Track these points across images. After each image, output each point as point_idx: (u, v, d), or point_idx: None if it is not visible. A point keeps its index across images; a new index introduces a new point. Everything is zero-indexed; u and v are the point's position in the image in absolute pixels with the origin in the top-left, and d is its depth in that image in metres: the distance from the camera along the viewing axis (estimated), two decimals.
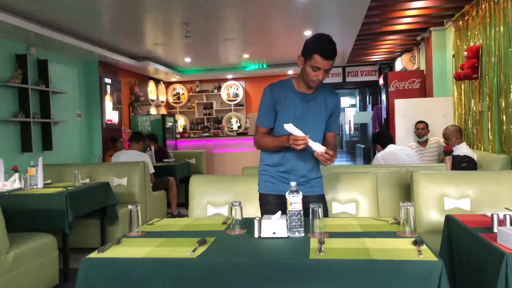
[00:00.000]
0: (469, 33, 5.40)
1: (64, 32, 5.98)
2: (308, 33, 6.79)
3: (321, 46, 2.11)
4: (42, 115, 6.12)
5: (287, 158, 2.26)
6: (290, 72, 10.28)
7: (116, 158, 5.36)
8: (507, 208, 2.01)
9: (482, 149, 5.05)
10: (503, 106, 4.42)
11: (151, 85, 9.68)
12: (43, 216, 3.39)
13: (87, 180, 4.41)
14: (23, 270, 2.89)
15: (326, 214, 2.33)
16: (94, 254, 1.62)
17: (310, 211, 1.78)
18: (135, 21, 5.86)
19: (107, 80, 7.71)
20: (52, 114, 6.21)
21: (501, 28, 4.41)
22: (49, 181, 4.16)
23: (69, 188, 3.67)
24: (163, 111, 10.46)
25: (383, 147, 4.12)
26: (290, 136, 2.08)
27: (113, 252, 1.65)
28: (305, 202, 2.03)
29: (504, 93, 4.41)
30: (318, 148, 2.04)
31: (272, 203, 2.27)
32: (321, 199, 2.33)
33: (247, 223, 1.89)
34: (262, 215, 2.18)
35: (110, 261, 1.58)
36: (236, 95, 10.81)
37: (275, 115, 2.26)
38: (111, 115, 7.82)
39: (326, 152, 2.04)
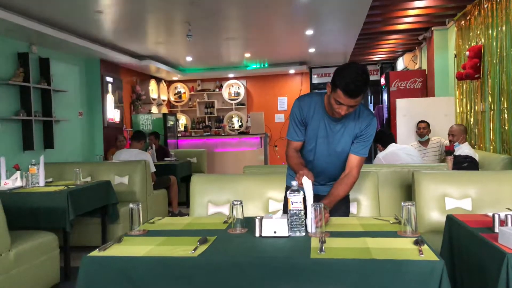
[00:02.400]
0: (471, 33, 5.39)
1: (66, 31, 5.98)
2: (309, 32, 6.79)
3: (346, 82, 1.92)
4: (44, 113, 6.13)
5: (316, 164, 2.26)
6: (292, 71, 10.29)
7: (117, 157, 5.37)
8: (508, 208, 2.01)
9: (483, 149, 5.04)
10: (505, 106, 4.41)
11: (153, 83, 9.68)
12: (44, 215, 3.39)
13: (89, 179, 4.42)
14: (24, 268, 2.89)
15: (347, 213, 2.35)
16: (95, 253, 1.62)
17: (312, 210, 1.78)
18: (137, 20, 5.86)
19: (109, 79, 7.72)
20: (53, 113, 6.21)
21: (503, 27, 4.40)
22: (50, 180, 4.16)
23: (71, 186, 3.67)
24: (165, 110, 10.46)
25: (384, 146, 4.11)
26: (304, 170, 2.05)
27: (114, 250, 1.66)
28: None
29: (506, 93, 4.40)
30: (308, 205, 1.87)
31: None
32: (344, 198, 2.32)
33: (248, 222, 1.89)
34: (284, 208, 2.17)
35: (111, 260, 1.59)
36: (238, 94, 10.81)
37: (304, 128, 2.21)
38: (113, 114, 7.83)
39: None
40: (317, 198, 2.19)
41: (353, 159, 2.20)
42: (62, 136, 6.60)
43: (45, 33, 5.54)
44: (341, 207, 2.30)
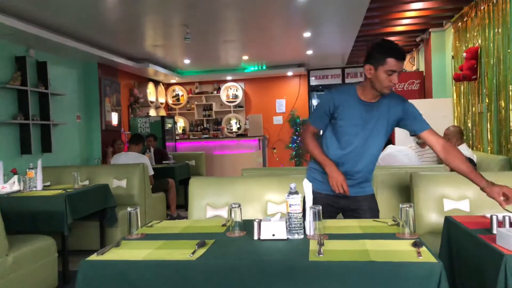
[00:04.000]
0: (468, 35, 5.41)
1: (64, 34, 5.98)
2: (307, 35, 6.80)
3: (393, 48, 2.14)
4: (42, 117, 6.12)
5: (346, 159, 2.28)
6: (290, 73, 10.30)
7: (115, 160, 5.36)
8: (506, 210, 2.01)
9: (481, 150, 5.05)
10: (502, 107, 4.42)
11: (151, 86, 9.68)
12: (42, 219, 3.39)
13: (87, 182, 4.41)
14: (22, 273, 2.88)
15: (377, 214, 2.36)
16: (93, 257, 1.62)
17: (310, 212, 1.78)
18: (135, 23, 5.87)
19: (107, 82, 7.71)
20: (51, 116, 6.20)
21: (500, 29, 4.42)
22: (48, 183, 4.16)
23: (68, 190, 3.67)
24: (163, 112, 10.46)
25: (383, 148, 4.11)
26: (334, 171, 2.20)
27: (112, 254, 1.65)
28: (356, 201, 2.26)
29: (503, 94, 4.41)
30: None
31: (319, 201, 2.26)
32: (371, 198, 2.37)
33: (247, 225, 1.89)
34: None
35: (109, 264, 1.58)
36: (236, 96, 10.81)
37: (328, 120, 2.30)
38: (111, 117, 7.82)
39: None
40: (354, 200, 2.29)
41: (428, 135, 2.26)
42: (60, 140, 6.59)
43: (43, 36, 5.53)
44: (373, 207, 2.35)
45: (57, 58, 6.68)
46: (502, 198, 1.97)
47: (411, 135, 5.17)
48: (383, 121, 2.26)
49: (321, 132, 2.41)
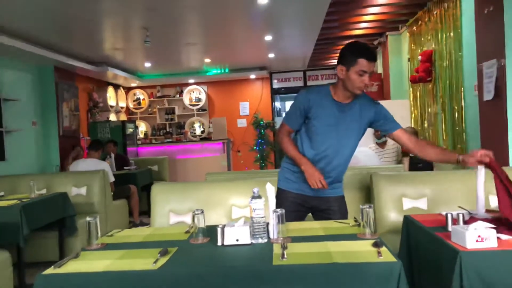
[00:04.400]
0: (422, 38, 5.61)
1: (15, 36, 5.73)
2: (268, 38, 6.85)
3: (364, 49, 2.19)
4: None
5: (319, 159, 2.30)
6: (253, 76, 10.34)
7: (75, 167, 5.20)
8: (460, 207, 2.09)
9: None
10: (455, 108, 4.61)
11: (110, 90, 9.46)
12: None
13: (44, 191, 4.24)
14: None
15: (346, 215, 2.39)
16: (50, 270, 1.56)
17: (274, 215, 1.79)
18: (92, 25, 5.71)
19: (64, 86, 7.46)
20: (3, 123, 5.93)
21: (452, 33, 4.61)
22: (2, 194, 3.97)
23: (24, 200, 3.52)
24: (123, 117, 10.23)
25: None
26: (310, 168, 2.21)
27: (71, 266, 1.59)
28: (327, 201, 2.29)
29: (456, 96, 4.60)
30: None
31: (289, 200, 2.34)
32: (342, 199, 2.41)
33: (211, 231, 1.87)
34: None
35: (68, 277, 1.53)
36: (199, 99, 10.73)
37: (303, 120, 2.32)
38: (69, 122, 7.57)
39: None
40: (324, 201, 2.31)
41: (400, 134, 2.33)
42: (15, 147, 6.31)
43: None
44: (342, 208, 2.39)
45: (9, 61, 6.39)
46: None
47: (381, 135, 5.32)
48: (356, 122, 2.31)
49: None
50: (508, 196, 1.86)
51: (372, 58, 2.20)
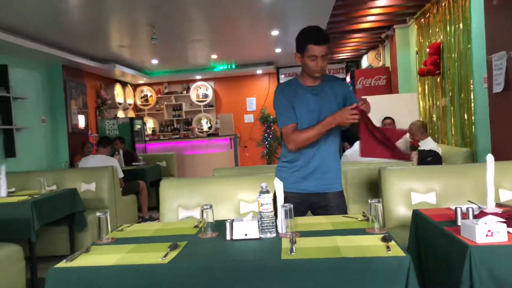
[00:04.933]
0: (430, 30, 5.56)
1: (24, 36, 5.77)
2: (275, 33, 6.83)
3: (312, 35, 2.21)
4: (4, 121, 5.90)
5: (311, 147, 2.28)
6: (259, 72, 10.32)
7: (84, 164, 5.24)
8: (470, 201, 2.08)
9: (446, 143, 5.21)
10: (464, 101, 4.57)
11: (118, 88, 9.49)
12: (8, 226, 3.28)
13: (54, 187, 4.30)
14: None
15: (345, 211, 2.37)
16: (62, 264, 1.58)
17: (282, 210, 1.79)
18: (99, 23, 5.73)
19: (72, 84, 7.51)
20: (14, 121, 5.99)
21: (460, 25, 4.56)
22: (13, 190, 4.02)
23: (35, 196, 3.56)
24: (131, 114, 10.28)
25: (351, 144, 4.19)
26: (334, 114, 2.17)
27: (82, 260, 1.62)
28: (325, 198, 2.25)
29: (464, 88, 4.56)
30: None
31: (288, 200, 2.23)
32: (340, 195, 2.38)
33: (219, 226, 1.89)
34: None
35: (79, 270, 1.55)
36: (206, 95, 10.74)
37: (294, 110, 2.32)
38: (77, 120, 7.63)
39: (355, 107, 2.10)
40: (322, 197, 2.28)
41: None
42: (25, 144, 6.37)
43: (2, 39, 5.33)
44: (341, 204, 2.36)
45: (19, 61, 6.45)
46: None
47: None
48: (334, 102, 2.31)
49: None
50: (372, 138, 2.14)
51: (320, 42, 2.19)
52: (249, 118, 10.73)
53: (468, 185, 2.75)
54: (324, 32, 2.24)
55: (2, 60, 6.00)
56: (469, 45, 4.41)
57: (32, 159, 6.59)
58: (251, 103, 10.75)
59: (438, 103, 5.46)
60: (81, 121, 7.75)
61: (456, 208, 1.86)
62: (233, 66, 9.89)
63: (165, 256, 1.58)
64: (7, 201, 3.42)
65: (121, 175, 5.09)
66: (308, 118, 2.27)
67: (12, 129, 5.97)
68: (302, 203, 2.34)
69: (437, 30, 5.30)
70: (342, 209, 2.35)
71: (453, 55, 4.82)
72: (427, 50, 5.32)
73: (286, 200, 2.28)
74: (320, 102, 2.28)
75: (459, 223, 1.78)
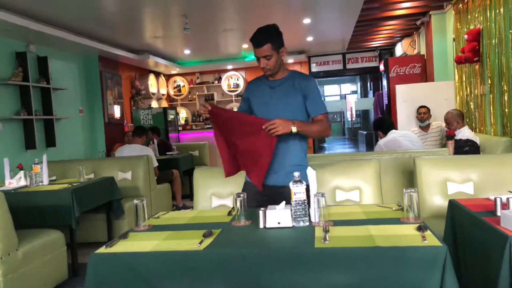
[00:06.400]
0: (469, 16, 5.36)
1: (63, 28, 5.96)
2: (307, 21, 6.75)
3: (252, 37, 2.26)
4: (44, 112, 6.14)
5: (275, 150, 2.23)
6: (291, 61, 10.24)
7: (120, 153, 5.39)
8: (510, 191, 2.02)
9: (484, 132, 5.04)
10: (505, 88, 4.40)
11: (152, 78, 9.67)
12: (49, 213, 3.42)
13: (92, 176, 4.44)
14: (32, 267, 2.92)
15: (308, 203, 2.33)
16: (102, 250, 1.65)
17: (315, 200, 1.80)
18: (134, 15, 5.84)
19: (108, 75, 7.71)
20: (54, 111, 6.22)
21: (501, 10, 4.38)
22: (54, 178, 4.19)
23: (74, 184, 3.70)
24: (164, 104, 10.45)
25: (385, 133, 4.12)
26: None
27: (121, 246, 1.68)
28: (284, 192, 2.03)
29: (505, 76, 4.39)
30: None
31: (253, 191, 2.24)
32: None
33: (252, 214, 1.91)
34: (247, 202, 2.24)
35: (118, 256, 1.61)
36: (237, 85, 10.78)
37: (248, 105, 2.42)
38: (113, 110, 7.83)
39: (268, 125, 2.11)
40: (281, 191, 2.16)
41: (317, 119, 2.31)
42: (64, 134, 6.61)
43: (42, 31, 5.52)
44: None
45: (58, 52, 6.67)
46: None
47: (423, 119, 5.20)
48: (290, 95, 2.29)
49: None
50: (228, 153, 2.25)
51: (257, 45, 2.22)
52: None
53: (508, 175, 2.67)
54: (263, 33, 2.24)
55: (42, 52, 6.23)
56: (510, 31, 4.23)
57: (71, 149, 6.84)
58: None
59: (476, 91, 5.28)
60: (116, 111, 7.95)
61: (495, 198, 1.81)
62: None
63: (200, 243, 1.62)
64: (49, 189, 3.57)
65: (155, 164, 5.20)
66: (260, 110, 2.34)
67: (53, 119, 6.20)
68: (266, 195, 2.27)
69: (476, 15, 5.10)
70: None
71: (493, 42, 4.63)
72: (465, 36, 5.13)
73: (251, 191, 2.20)
74: (274, 95, 2.31)
75: (498, 213, 1.73)
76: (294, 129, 2.12)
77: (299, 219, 1.79)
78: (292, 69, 2.42)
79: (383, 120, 4.47)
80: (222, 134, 2.28)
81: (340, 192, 2.60)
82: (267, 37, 2.24)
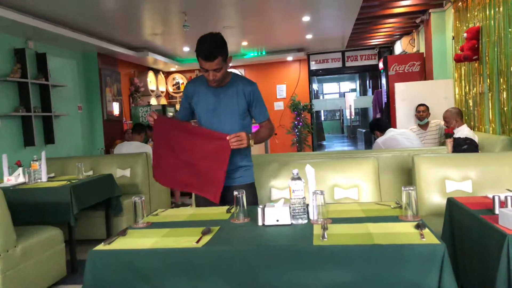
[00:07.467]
0: (468, 14, 5.36)
1: (62, 25, 5.94)
2: (306, 19, 6.74)
3: (202, 49, 2.12)
4: (43, 108, 6.13)
5: None
6: (290, 58, 10.24)
7: (118, 150, 5.39)
8: (508, 190, 2.03)
9: (483, 130, 5.05)
10: (504, 87, 4.41)
11: (151, 75, 9.65)
12: (48, 210, 3.43)
13: (91, 173, 4.44)
14: (31, 263, 2.93)
15: (256, 201, 2.40)
16: (100, 246, 1.65)
17: (314, 198, 1.80)
18: (133, 12, 5.82)
19: (107, 72, 7.69)
20: (53, 108, 6.21)
21: (501, 8, 4.38)
22: (52, 175, 4.19)
23: (73, 181, 3.70)
24: (164, 101, 10.44)
25: (382, 132, 4.13)
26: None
27: (120, 243, 1.68)
28: (233, 191, 1.97)
29: (504, 74, 4.39)
30: None
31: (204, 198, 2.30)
32: (250, 187, 2.38)
33: (251, 211, 1.91)
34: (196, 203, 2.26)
35: (117, 253, 1.61)
36: None
37: (189, 110, 2.38)
38: (112, 107, 7.82)
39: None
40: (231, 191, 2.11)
41: (262, 126, 2.39)
42: (63, 131, 6.60)
43: (41, 28, 5.50)
44: (250, 197, 2.27)
45: (56, 49, 6.66)
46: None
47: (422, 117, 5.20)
48: (234, 104, 2.28)
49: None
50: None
51: (207, 58, 2.10)
52: (279, 105, 10.69)
53: (507, 174, 2.67)
54: (215, 46, 2.12)
55: (41, 48, 6.21)
56: (510, 29, 4.23)
57: (70, 146, 6.83)
58: (281, 90, 10.69)
59: (475, 89, 5.28)
60: (115, 108, 7.94)
61: (494, 196, 1.82)
62: (263, 53, 9.85)
63: (199, 240, 1.62)
64: (48, 186, 3.57)
65: None
66: (205, 117, 2.31)
67: (51, 116, 6.19)
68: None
69: (475, 13, 5.10)
70: (252, 203, 2.32)
71: (492, 40, 4.63)
72: (465, 35, 5.13)
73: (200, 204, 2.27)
74: (220, 103, 2.28)
75: (497, 211, 1.74)
76: (252, 143, 2.20)
77: (297, 216, 1.79)
78: (232, 72, 2.38)
79: (379, 120, 4.50)
80: (166, 144, 2.24)
81: (338, 190, 2.60)
82: (218, 49, 2.14)
